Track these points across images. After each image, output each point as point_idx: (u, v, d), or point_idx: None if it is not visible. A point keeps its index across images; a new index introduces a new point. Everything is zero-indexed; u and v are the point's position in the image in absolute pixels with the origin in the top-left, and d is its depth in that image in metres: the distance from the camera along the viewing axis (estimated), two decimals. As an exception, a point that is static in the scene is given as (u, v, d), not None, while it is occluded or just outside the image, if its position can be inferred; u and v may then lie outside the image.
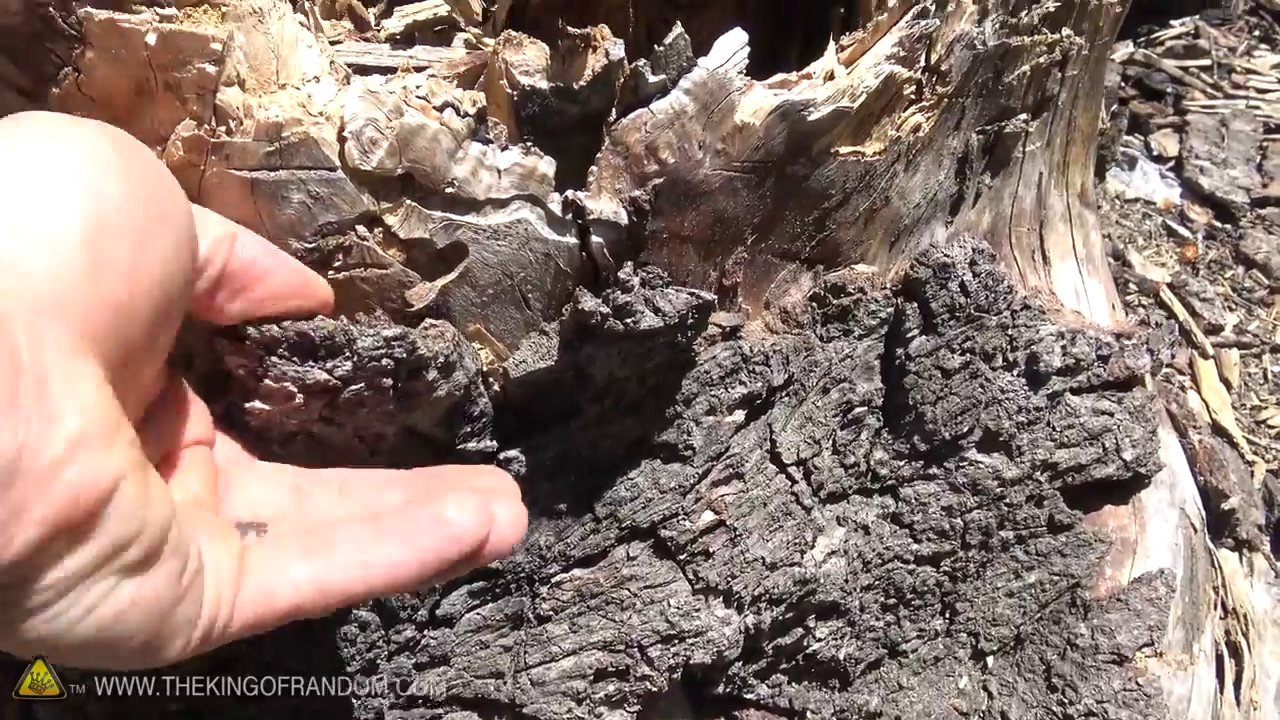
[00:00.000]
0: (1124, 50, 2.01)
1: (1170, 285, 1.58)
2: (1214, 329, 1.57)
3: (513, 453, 0.74)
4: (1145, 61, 1.98)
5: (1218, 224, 1.75)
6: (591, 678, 0.83)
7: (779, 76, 0.70)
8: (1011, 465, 0.92)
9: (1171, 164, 1.81)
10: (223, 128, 0.53)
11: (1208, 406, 1.37)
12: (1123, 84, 1.92)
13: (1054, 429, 0.92)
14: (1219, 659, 1.07)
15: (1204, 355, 1.46)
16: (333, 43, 0.66)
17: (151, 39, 0.48)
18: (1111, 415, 0.94)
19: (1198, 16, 2.07)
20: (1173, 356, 1.42)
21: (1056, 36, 0.83)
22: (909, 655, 0.98)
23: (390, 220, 0.59)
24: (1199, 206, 1.74)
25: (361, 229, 0.59)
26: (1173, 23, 2.07)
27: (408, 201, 0.59)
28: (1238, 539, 1.27)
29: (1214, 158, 1.79)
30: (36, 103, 0.51)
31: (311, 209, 0.56)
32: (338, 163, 0.56)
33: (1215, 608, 1.08)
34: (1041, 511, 0.95)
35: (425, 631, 0.78)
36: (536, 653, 0.82)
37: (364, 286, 0.61)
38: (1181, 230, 1.70)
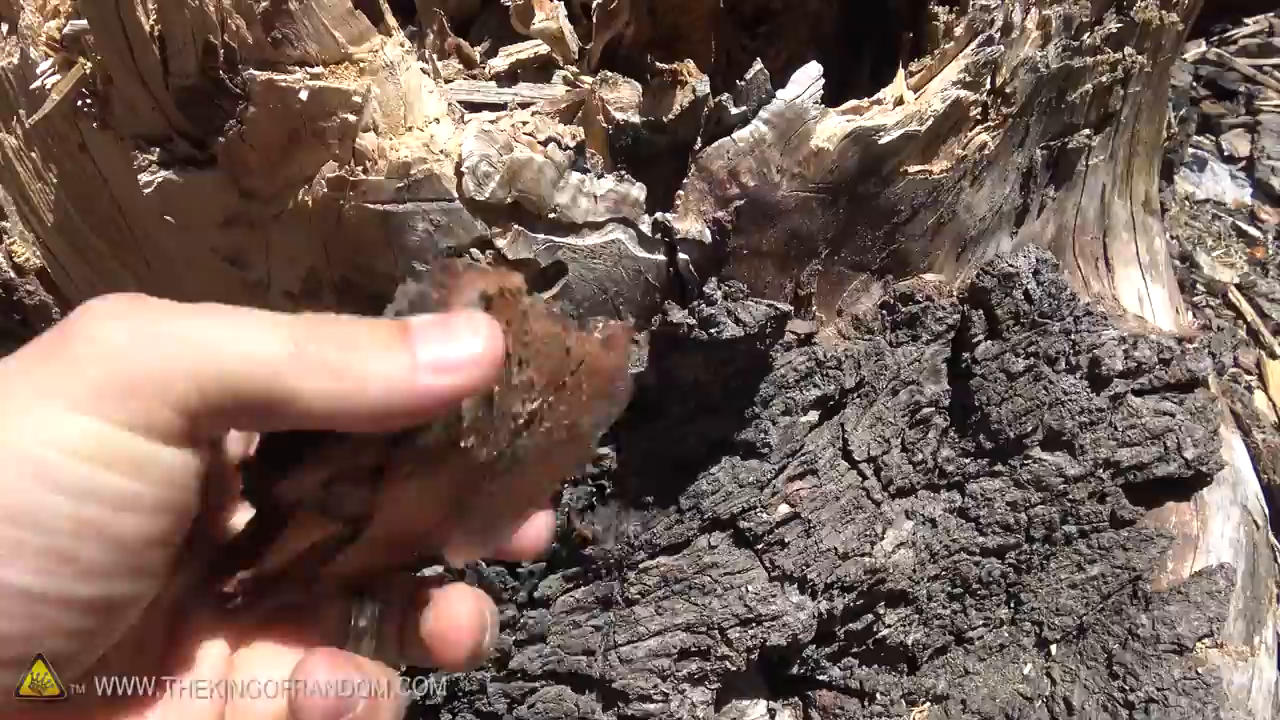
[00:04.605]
0: (1196, 49, 1.99)
1: (1239, 286, 1.58)
2: (1283, 330, 1.56)
3: (604, 450, 0.81)
4: (1218, 61, 1.97)
5: (1289, 225, 1.73)
6: (675, 656, 0.89)
7: (851, 103, 0.76)
8: (1075, 463, 0.96)
9: (1243, 164, 1.80)
10: (360, 168, 0.60)
11: (1275, 406, 1.37)
12: (1194, 83, 1.91)
13: (1116, 429, 0.96)
14: (1281, 651, 1.10)
15: (1271, 355, 1.46)
16: (445, 80, 0.73)
17: (304, 95, 0.55)
18: (1173, 416, 0.98)
19: (1272, 14, 2.04)
20: (1235, 360, 1.43)
21: (1119, 56, 0.87)
22: (974, 642, 1.03)
23: (500, 243, 0.66)
24: (1270, 207, 1.73)
25: (475, 252, 0.66)
26: (1246, 20, 2.04)
27: (515, 226, 0.66)
28: (1303, 536, 1.29)
29: (1287, 158, 1.78)
30: (203, 150, 0.58)
31: (433, 235, 0.64)
32: (456, 194, 0.63)
33: (1277, 602, 1.11)
34: (1104, 507, 0.99)
35: (524, 612, 0.85)
36: (625, 633, 0.88)
37: (476, 302, 0.69)
38: (1251, 231, 1.69)
